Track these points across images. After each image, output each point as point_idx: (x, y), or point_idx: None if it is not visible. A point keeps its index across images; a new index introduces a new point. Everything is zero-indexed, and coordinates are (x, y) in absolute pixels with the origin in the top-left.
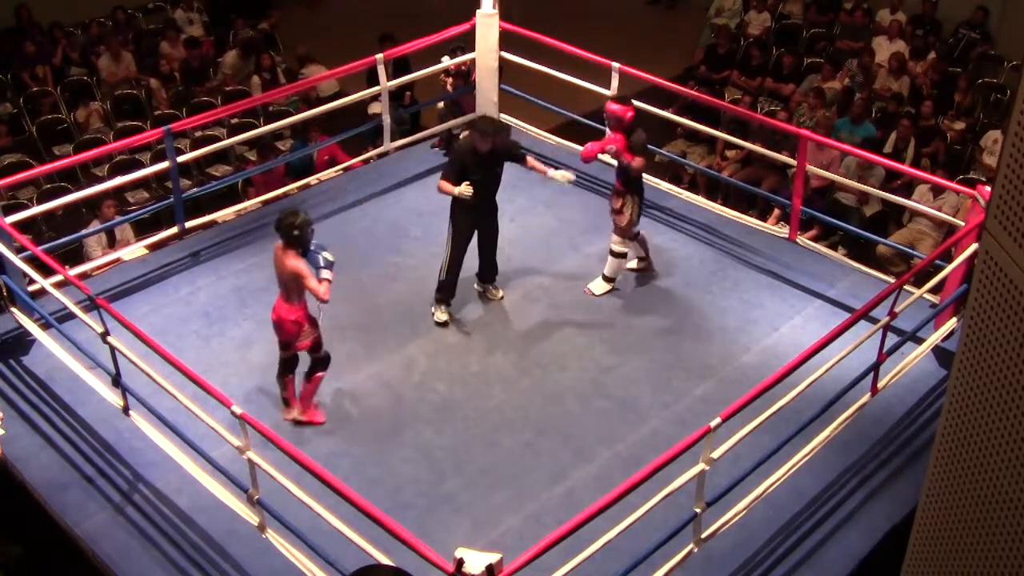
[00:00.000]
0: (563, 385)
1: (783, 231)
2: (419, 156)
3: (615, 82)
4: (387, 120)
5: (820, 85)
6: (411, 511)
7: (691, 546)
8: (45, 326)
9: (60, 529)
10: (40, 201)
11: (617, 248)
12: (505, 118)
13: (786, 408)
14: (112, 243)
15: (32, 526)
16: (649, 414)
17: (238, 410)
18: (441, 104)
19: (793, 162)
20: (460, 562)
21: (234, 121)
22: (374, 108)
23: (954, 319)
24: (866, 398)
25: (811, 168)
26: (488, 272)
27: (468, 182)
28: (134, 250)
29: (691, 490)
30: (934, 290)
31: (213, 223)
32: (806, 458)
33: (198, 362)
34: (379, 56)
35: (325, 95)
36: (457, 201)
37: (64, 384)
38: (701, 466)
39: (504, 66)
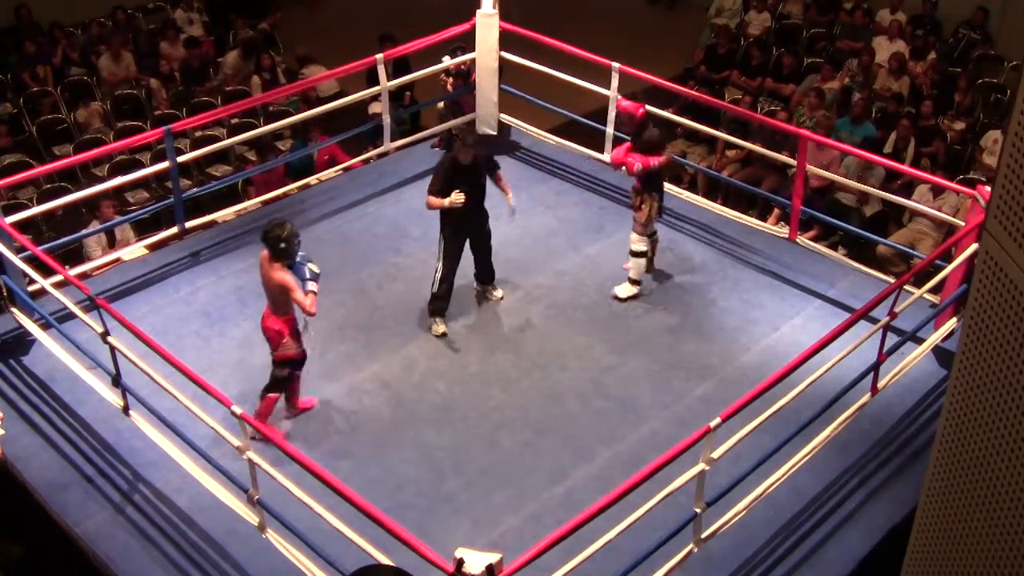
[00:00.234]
0: (563, 385)
1: (783, 231)
2: (419, 156)
3: (615, 82)
4: (387, 120)
5: (820, 85)
6: (411, 511)
7: (691, 546)
8: (45, 326)
9: (60, 529)
10: (40, 201)
11: (636, 247)
12: (505, 118)
13: (786, 408)
14: (112, 243)
15: (32, 526)
16: (649, 414)
17: (238, 410)
18: (441, 104)
19: (793, 162)
20: (460, 562)
21: (234, 121)
22: (374, 108)
23: (954, 319)
24: (866, 398)
25: (811, 168)
26: (486, 273)
27: (453, 190)
28: (134, 250)
29: (691, 490)
30: (934, 290)
31: (213, 223)
32: (806, 458)
33: (198, 362)
34: (379, 56)
35: (325, 95)
36: (446, 214)
37: (64, 384)
38: (701, 466)
39: (504, 66)
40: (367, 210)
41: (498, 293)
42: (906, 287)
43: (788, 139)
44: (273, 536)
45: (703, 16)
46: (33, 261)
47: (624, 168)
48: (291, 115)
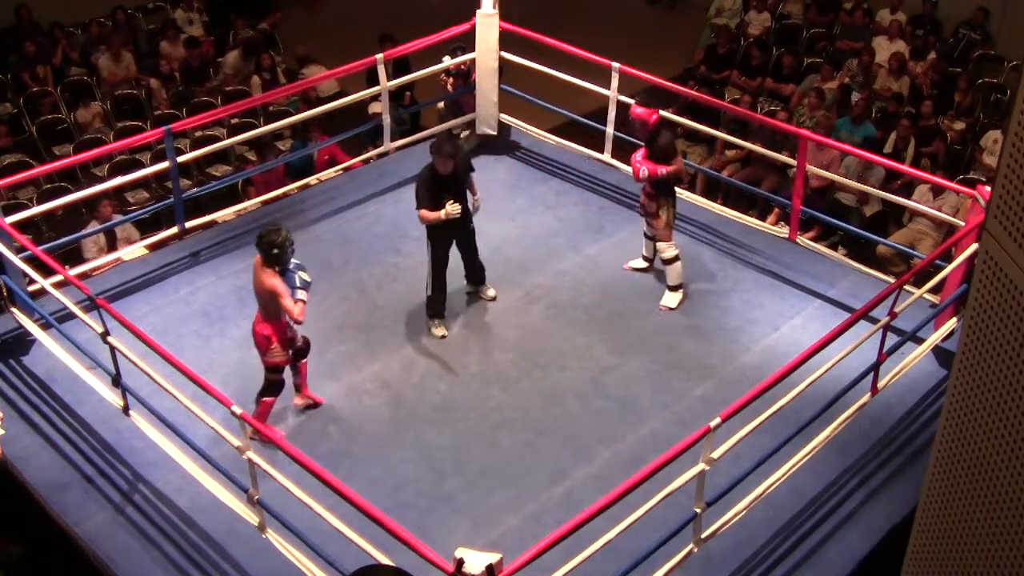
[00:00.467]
0: (563, 385)
1: (783, 231)
2: (419, 156)
3: (615, 82)
4: (387, 120)
5: (820, 85)
6: (411, 511)
7: (691, 546)
8: (45, 326)
9: (60, 529)
10: (40, 201)
11: (668, 254)
12: (505, 118)
13: (786, 408)
14: (112, 243)
15: (32, 526)
16: (649, 414)
17: (238, 410)
18: (441, 104)
19: (793, 162)
20: (460, 562)
21: (234, 121)
22: (374, 108)
23: (954, 319)
24: (866, 398)
25: (811, 168)
26: (475, 274)
27: (440, 202)
28: (134, 250)
29: (691, 490)
30: (934, 290)
31: (213, 223)
32: (806, 458)
33: (198, 362)
34: (379, 56)
35: (325, 95)
36: (433, 226)
37: (64, 384)
38: (701, 466)
39: (504, 66)
40: (367, 210)
41: (491, 292)
42: (906, 287)
43: (788, 139)
44: (273, 536)
45: (703, 16)
46: (33, 261)
47: (643, 175)
48: (291, 115)
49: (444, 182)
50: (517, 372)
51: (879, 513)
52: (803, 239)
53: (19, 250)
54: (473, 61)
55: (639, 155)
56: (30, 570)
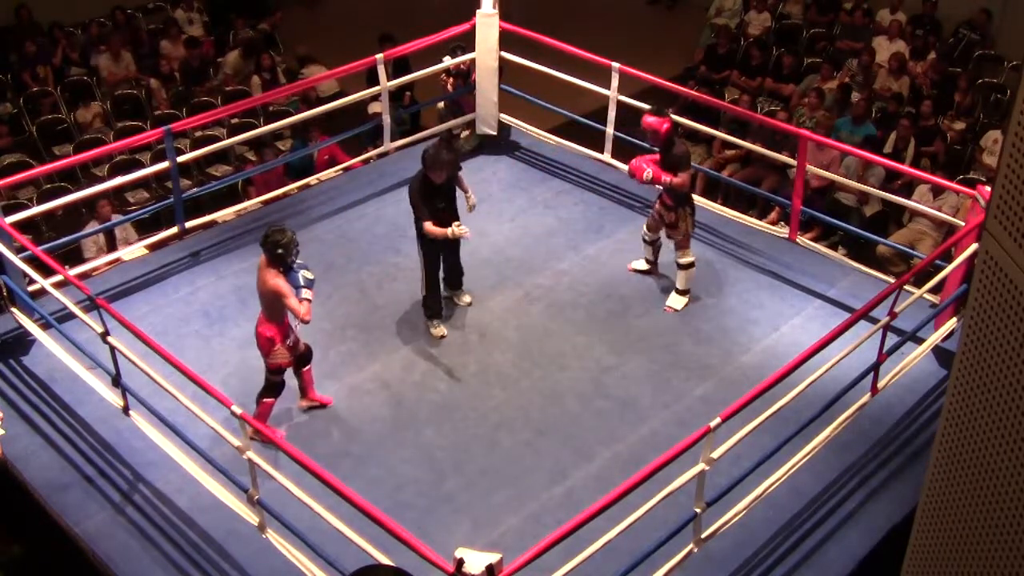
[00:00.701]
0: (563, 385)
1: (783, 231)
2: (419, 156)
3: (615, 82)
4: (387, 120)
5: (820, 85)
6: (411, 511)
7: (691, 546)
8: (45, 326)
9: (60, 529)
10: (40, 201)
11: (685, 260)
12: (505, 118)
13: (786, 408)
14: (112, 243)
15: (32, 526)
16: (649, 414)
17: (238, 410)
18: (441, 104)
19: (793, 162)
20: (460, 562)
21: (234, 121)
22: (374, 108)
23: (954, 319)
24: (866, 398)
25: (811, 168)
26: (455, 279)
27: (437, 209)
28: (134, 250)
29: (691, 490)
30: (934, 290)
31: (213, 223)
32: (806, 458)
33: (198, 362)
34: (379, 56)
35: (325, 95)
36: (416, 214)
37: (64, 384)
38: (701, 466)
39: (504, 66)
40: (367, 210)
41: (466, 298)
42: (906, 287)
43: (788, 139)
44: (273, 536)
45: (703, 16)
46: (33, 261)
47: (647, 176)
48: (291, 115)
49: (437, 189)
50: (517, 372)
51: (879, 513)
52: (803, 239)
53: (19, 250)
54: (473, 61)
55: (646, 158)
56: (30, 570)
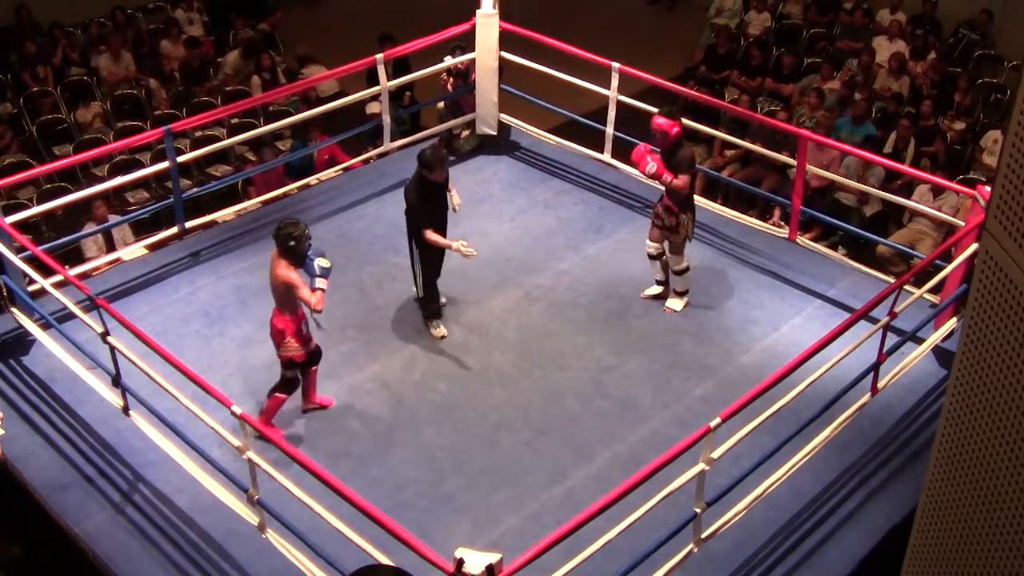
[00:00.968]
0: (563, 385)
1: (783, 231)
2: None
3: (615, 82)
4: (387, 120)
5: (820, 85)
6: (411, 511)
7: (691, 546)
8: (45, 326)
9: (60, 529)
10: (40, 201)
11: (678, 266)
12: (505, 118)
13: (786, 408)
14: (111, 243)
15: (32, 526)
16: (649, 414)
17: (238, 410)
18: (441, 104)
19: (793, 162)
20: (460, 562)
21: (234, 121)
22: (372, 108)
23: (954, 319)
24: (866, 398)
25: (811, 168)
26: (435, 309)
27: (435, 213)
28: (134, 250)
29: (691, 490)
30: (934, 290)
31: (213, 223)
32: (806, 458)
33: (198, 362)
34: (379, 56)
35: (325, 95)
36: (416, 219)
37: (64, 384)
38: (701, 466)
39: (504, 66)
40: (367, 210)
41: (441, 299)
42: (906, 287)
43: (788, 139)
44: (273, 536)
45: (703, 16)
46: (33, 261)
47: (649, 169)
48: (291, 115)
49: (434, 191)
50: (517, 372)
51: (879, 513)
52: (803, 239)
53: (19, 250)
54: (473, 61)
55: (650, 148)
56: (30, 570)
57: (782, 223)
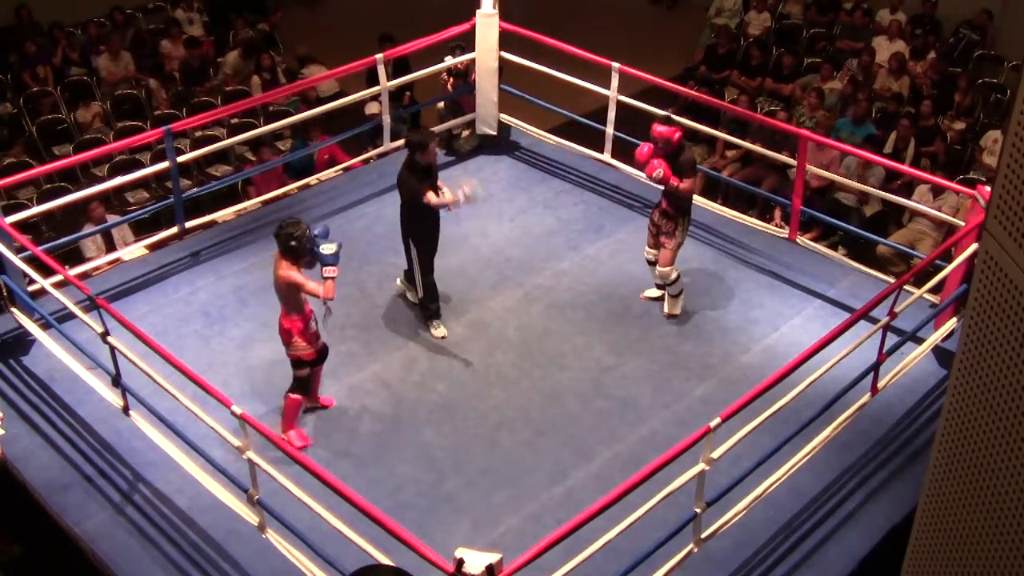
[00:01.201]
0: (563, 385)
1: (783, 231)
2: None
3: (615, 82)
4: (387, 120)
5: (820, 85)
6: (411, 511)
7: (691, 546)
8: (45, 326)
9: (60, 529)
10: (40, 201)
11: (668, 280)
12: (505, 118)
13: (786, 408)
14: (111, 243)
15: (32, 526)
16: (649, 414)
17: (238, 410)
18: (441, 104)
19: (793, 162)
20: (460, 562)
21: (234, 121)
22: (371, 108)
23: (954, 319)
24: (866, 398)
25: (811, 168)
26: (436, 308)
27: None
28: (134, 250)
29: (691, 490)
30: (934, 290)
31: (213, 223)
32: (806, 458)
33: (198, 362)
34: (379, 56)
35: (325, 95)
36: (411, 218)
37: (64, 384)
38: (701, 466)
39: (504, 66)
40: (367, 210)
41: (440, 331)
42: (906, 287)
43: (788, 139)
44: (273, 536)
45: (703, 16)
46: (33, 261)
47: (657, 174)
48: (291, 115)
49: (426, 171)
50: (517, 372)
51: (879, 513)
52: (803, 239)
53: (19, 250)
54: (473, 61)
55: (651, 151)
56: (30, 570)
57: (783, 224)
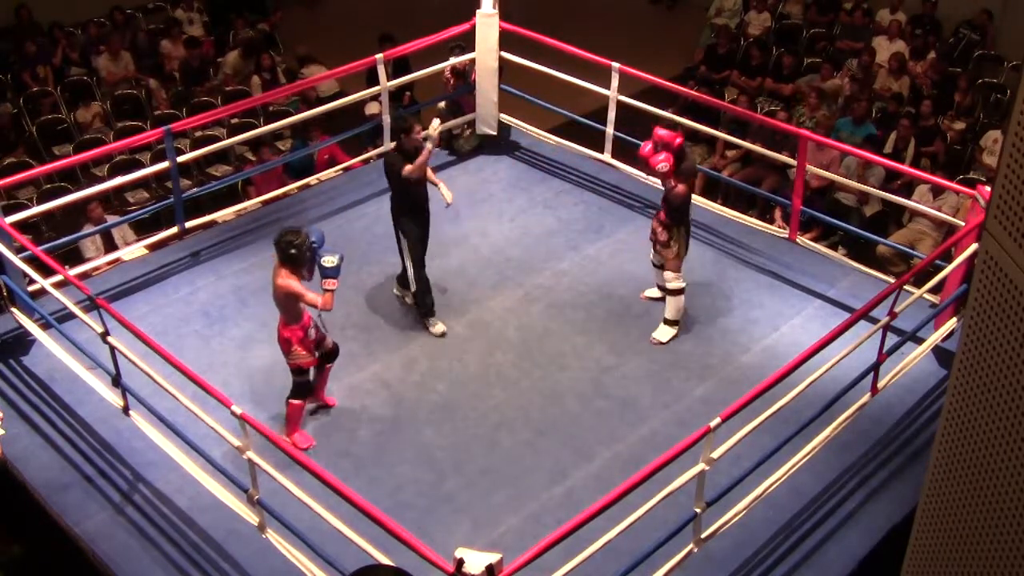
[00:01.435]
0: (563, 385)
1: (783, 231)
2: None
3: (615, 82)
4: (387, 120)
5: (820, 85)
6: (411, 511)
7: (691, 546)
8: (45, 326)
9: (60, 529)
10: (40, 201)
11: (674, 285)
12: (505, 118)
13: (786, 408)
14: (110, 244)
15: (32, 526)
16: (649, 414)
17: (238, 410)
18: (442, 104)
19: (793, 162)
20: (460, 562)
21: (234, 121)
22: (371, 109)
23: (954, 319)
24: (866, 398)
25: (811, 168)
26: (429, 299)
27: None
28: (134, 250)
29: (691, 490)
30: (934, 290)
31: (213, 223)
32: (806, 458)
33: (198, 362)
34: (379, 56)
35: (325, 95)
36: (400, 208)
37: (64, 384)
38: (701, 466)
39: (504, 66)
40: (367, 210)
41: (439, 328)
42: (906, 287)
43: (788, 139)
44: (273, 536)
45: (703, 16)
46: (33, 261)
47: (661, 167)
48: (291, 115)
49: (413, 155)
50: (517, 372)
51: (879, 513)
52: (803, 239)
53: (19, 250)
54: (473, 61)
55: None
56: (30, 570)
57: (784, 224)
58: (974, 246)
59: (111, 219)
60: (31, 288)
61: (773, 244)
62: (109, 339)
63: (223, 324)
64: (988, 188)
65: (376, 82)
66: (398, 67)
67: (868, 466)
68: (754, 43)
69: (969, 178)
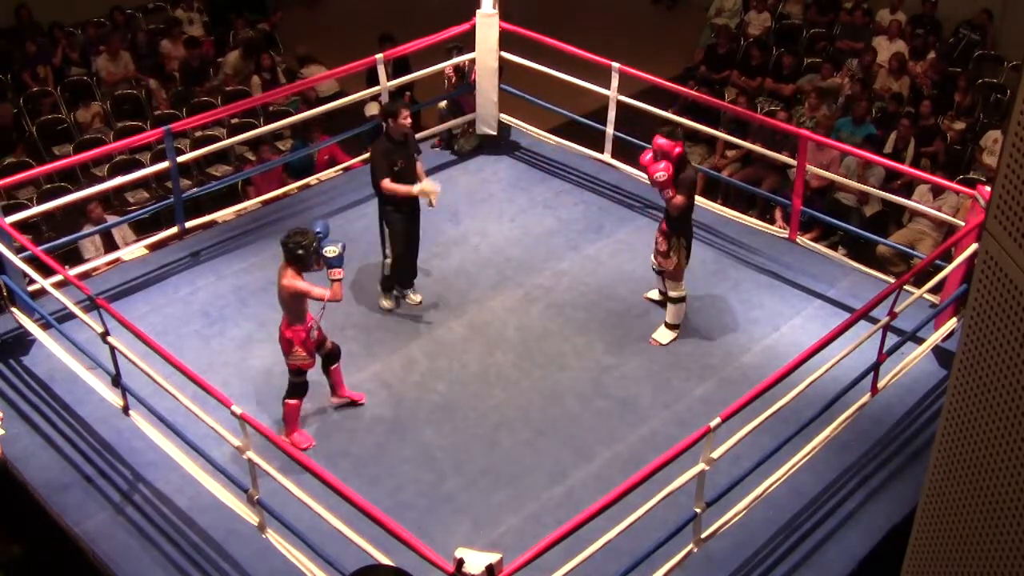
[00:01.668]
0: (563, 385)
1: (783, 231)
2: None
3: (615, 82)
4: None
5: (820, 84)
6: (411, 511)
7: (691, 546)
8: (45, 326)
9: (60, 529)
10: (40, 201)
11: (675, 293)
12: (505, 118)
13: (786, 408)
14: (110, 244)
15: (32, 526)
16: (649, 414)
17: (238, 410)
18: (442, 104)
19: (793, 162)
20: (460, 562)
21: (234, 121)
22: (370, 109)
23: (954, 319)
24: (866, 398)
25: (811, 168)
26: (408, 277)
27: (395, 168)
28: (134, 250)
29: (691, 490)
30: (934, 290)
31: (213, 223)
32: (806, 458)
33: (198, 362)
34: (379, 56)
35: (325, 95)
36: (388, 201)
37: (64, 384)
38: (701, 466)
39: (504, 66)
40: (367, 210)
41: (416, 297)
42: (906, 287)
43: (788, 139)
44: (273, 536)
45: (703, 16)
46: (33, 261)
47: (659, 176)
48: (291, 115)
49: (397, 147)
50: (517, 372)
51: (879, 513)
52: (803, 239)
53: (19, 250)
54: (473, 61)
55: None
56: (30, 570)
57: (784, 224)
58: (974, 246)
59: (111, 219)
60: (31, 288)
61: (773, 244)
62: (109, 339)
63: (223, 324)
64: (988, 188)
65: (376, 82)
66: (398, 67)
67: (868, 466)
68: (754, 43)
69: (969, 178)
